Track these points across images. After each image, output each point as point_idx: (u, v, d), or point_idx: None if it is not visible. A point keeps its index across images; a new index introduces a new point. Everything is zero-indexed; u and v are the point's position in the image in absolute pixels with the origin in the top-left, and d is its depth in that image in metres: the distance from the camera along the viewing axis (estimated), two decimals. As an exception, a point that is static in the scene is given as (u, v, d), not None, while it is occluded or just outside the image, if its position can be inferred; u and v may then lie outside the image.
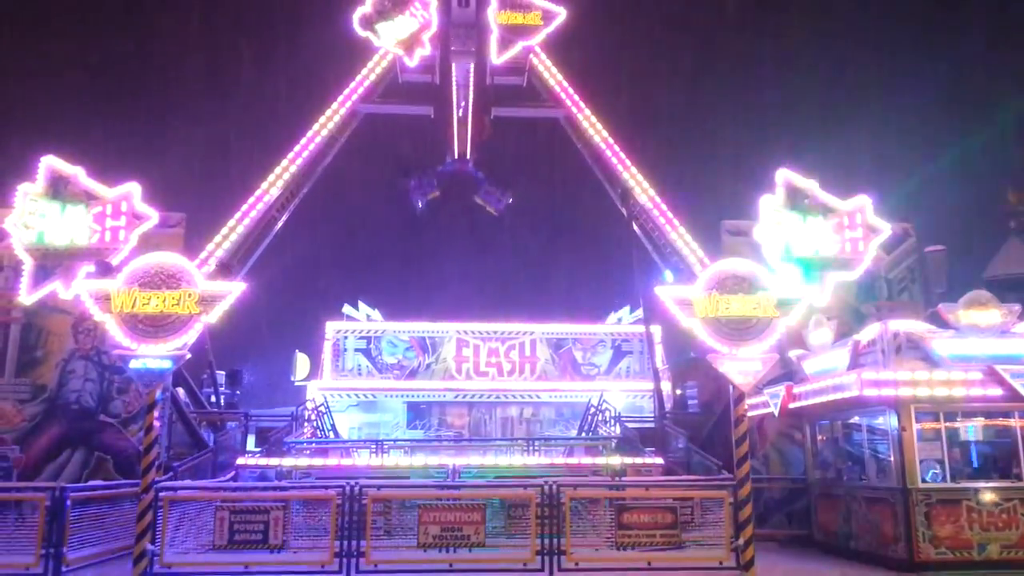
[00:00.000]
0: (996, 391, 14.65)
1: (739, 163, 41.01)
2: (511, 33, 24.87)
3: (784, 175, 17.98)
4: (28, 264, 18.06)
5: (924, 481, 14.59)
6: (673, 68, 52.79)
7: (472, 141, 27.08)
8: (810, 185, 17.86)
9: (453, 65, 25.69)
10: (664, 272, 23.52)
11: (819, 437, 18.34)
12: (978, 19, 45.35)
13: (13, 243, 17.98)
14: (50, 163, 18.25)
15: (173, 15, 52.29)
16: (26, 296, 18.10)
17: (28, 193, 18.02)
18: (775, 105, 48.08)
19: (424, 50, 24.72)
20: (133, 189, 18.14)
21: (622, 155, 25.27)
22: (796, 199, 17.60)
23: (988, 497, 14.50)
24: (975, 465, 15.39)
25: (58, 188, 18.19)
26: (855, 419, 16.68)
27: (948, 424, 15.01)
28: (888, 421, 15.17)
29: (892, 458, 15.02)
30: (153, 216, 18.13)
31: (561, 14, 25.28)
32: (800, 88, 47.97)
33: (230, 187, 24.81)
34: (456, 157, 27.39)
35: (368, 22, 24.59)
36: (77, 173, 18.25)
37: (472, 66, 25.64)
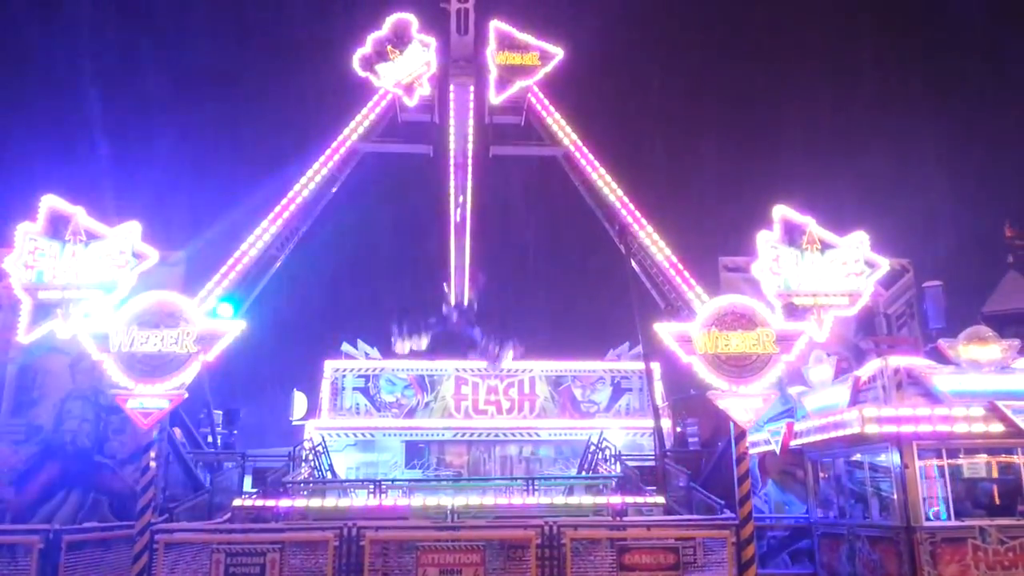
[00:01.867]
0: (998, 427, 14.57)
1: (737, 200, 41.23)
2: (509, 73, 25.16)
3: (781, 211, 18.08)
4: (27, 303, 18.06)
5: (928, 519, 14.44)
6: (670, 104, 53.28)
7: (470, 281, 27.33)
8: (807, 221, 17.96)
9: (451, 106, 25.92)
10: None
11: (821, 475, 18.18)
12: (979, 54, 45.92)
13: (12, 282, 17.99)
14: (50, 202, 18.33)
15: (173, 54, 52.90)
16: (24, 335, 18.07)
17: (28, 232, 18.08)
18: (772, 142, 48.57)
19: (424, 90, 24.98)
20: (133, 228, 18.23)
21: (620, 192, 25.39)
22: (793, 235, 17.69)
23: (994, 535, 14.32)
24: (980, 503, 15.22)
25: (58, 227, 18.24)
26: (857, 456, 16.55)
27: (951, 461, 14.90)
28: (890, 458, 15.06)
29: (895, 496, 14.89)
30: (153, 255, 18.17)
31: (559, 54, 25.56)
32: (797, 124, 48.48)
33: (230, 226, 24.82)
34: (453, 305, 27.52)
35: (368, 63, 24.88)
36: (77, 212, 18.32)
37: (471, 105, 25.89)
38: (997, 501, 15.15)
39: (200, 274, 21.62)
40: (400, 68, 24.73)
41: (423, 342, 27.89)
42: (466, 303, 28.31)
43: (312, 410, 28.87)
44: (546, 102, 26.19)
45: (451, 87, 25.66)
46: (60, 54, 50.16)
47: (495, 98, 25.29)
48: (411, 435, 27.82)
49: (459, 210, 27.60)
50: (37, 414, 19.25)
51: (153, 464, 14.97)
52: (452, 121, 26.34)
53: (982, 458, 15.27)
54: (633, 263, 25.29)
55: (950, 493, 14.67)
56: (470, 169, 26.81)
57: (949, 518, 14.52)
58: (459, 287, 28.52)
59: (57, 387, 19.41)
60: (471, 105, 25.94)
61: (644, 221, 25.02)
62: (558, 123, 26.10)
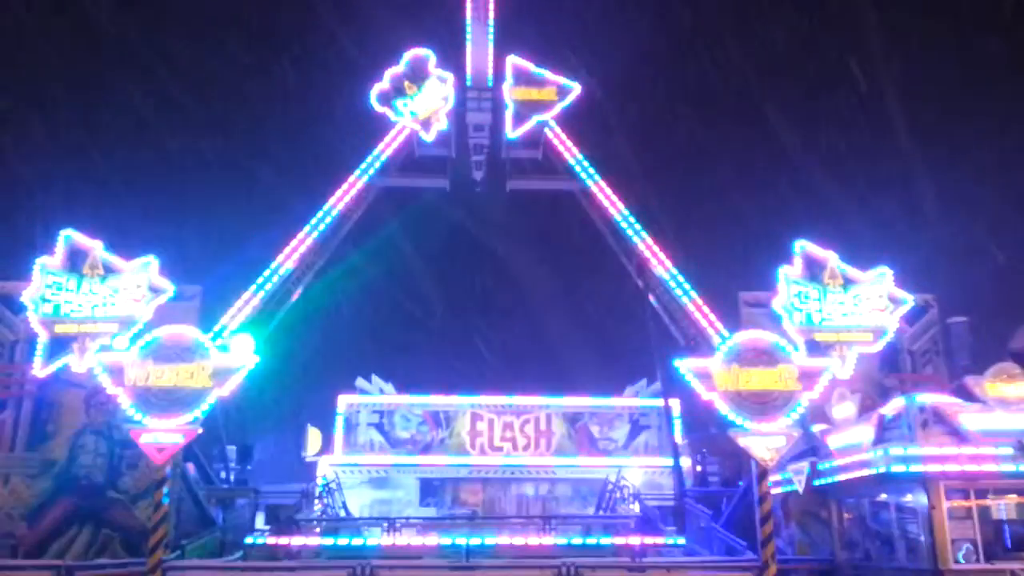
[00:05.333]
0: (1028, 467, 14.20)
1: (757, 234, 40.90)
2: (526, 108, 25.20)
3: (802, 246, 17.93)
4: (43, 337, 18.11)
5: (957, 562, 14.03)
6: (690, 139, 53.25)
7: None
8: (829, 256, 17.77)
9: (470, 139, 25.97)
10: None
11: (846, 516, 17.75)
12: (1009, 85, 45.56)
13: (29, 316, 18.05)
14: (69, 236, 18.46)
15: (192, 90, 53.45)
16: (40, 369, 18.09)
17: (46, 266, 18.19)
18: (793, 175, 48.28)
19: (441, 125, 25.03)
20: (150, 262, 18.30)
21: (638, 227, 25.21)
22: (815, 270, 17.50)
23: (1025, 580, 13.90)
24: (1009, 545, 14.78)
25: (76, 261, 18.36)
26: (882, 496, 16.16)
27: (979, 501, 14.52)
28: (917, 499, 14.70)
29: (922, 538, 14.51)
30: (169, 289, 18.20)
31: (575, 89, 25.61)
32: (819, 158, 48.21)
33: (247, 260, 24.82)
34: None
35: (386, 98, 25.00)
36: (95, 246, 18.45)
37: (487, 139, 25.92)
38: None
39: (216, 308, 21.55)
40: (418, 103, 24.83)
41: None
42: None
43: (326, 446, 28.66)
44: (563, 136, 26.16)
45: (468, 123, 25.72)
46: (81, 89, 50.87)
47: (512, 133, 25.31)
48: (426, 472, 27.52)
49: None
50: (51, 448, 19.13)
51: (166, 500, 14.81)
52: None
53: (1012, 499, 14.87)
54: (651, 298, 25.04)
55: (979, 535, 14.25)
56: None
57: (978, 561, 14.06)
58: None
59: (72, 421, 19.29)
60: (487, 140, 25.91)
61: (662, 256, 24.80)
62: (575, 158, 26.04)
